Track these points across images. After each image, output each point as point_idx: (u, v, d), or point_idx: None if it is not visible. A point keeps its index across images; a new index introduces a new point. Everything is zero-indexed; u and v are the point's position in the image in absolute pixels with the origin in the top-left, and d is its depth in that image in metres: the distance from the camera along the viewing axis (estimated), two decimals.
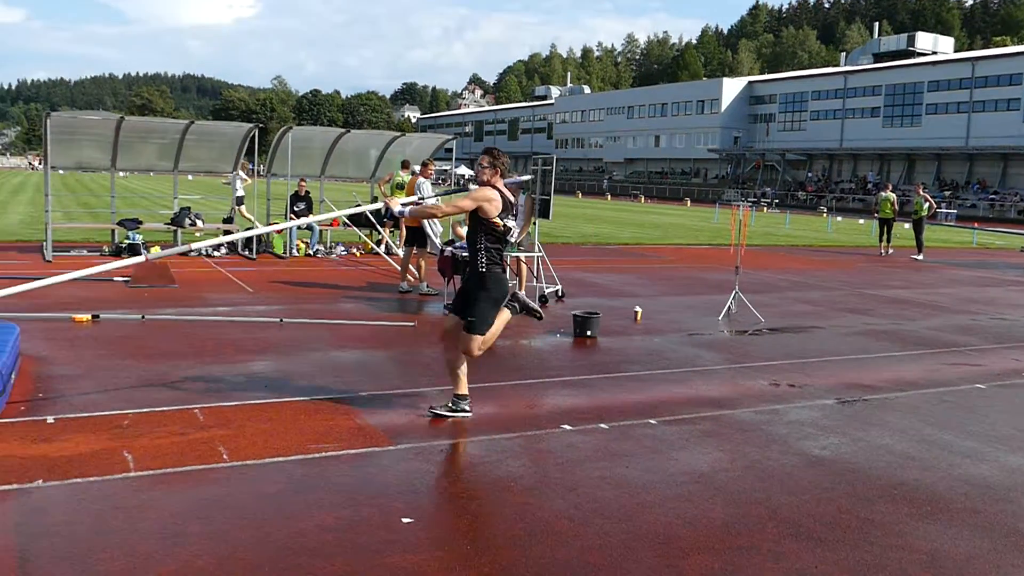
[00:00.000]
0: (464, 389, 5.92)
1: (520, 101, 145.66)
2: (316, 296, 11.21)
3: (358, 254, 16.48)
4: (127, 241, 14.89)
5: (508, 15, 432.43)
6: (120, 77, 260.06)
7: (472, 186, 6.10)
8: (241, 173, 17.92)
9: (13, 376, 6.04)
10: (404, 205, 6.14)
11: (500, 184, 5.90)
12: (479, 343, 5.82)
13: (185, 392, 6.24)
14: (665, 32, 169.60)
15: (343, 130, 17.19)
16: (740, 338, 9.63)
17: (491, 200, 5.76)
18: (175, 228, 15.60)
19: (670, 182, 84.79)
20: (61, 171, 14.74)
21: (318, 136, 17.89)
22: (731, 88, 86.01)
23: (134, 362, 7.11)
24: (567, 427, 5.80)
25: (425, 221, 11.71)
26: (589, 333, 8.99)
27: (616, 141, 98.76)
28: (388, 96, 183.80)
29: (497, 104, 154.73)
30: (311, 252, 16.02)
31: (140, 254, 14.45)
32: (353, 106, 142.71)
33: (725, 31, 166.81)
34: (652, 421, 6.03)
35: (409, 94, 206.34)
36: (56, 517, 4.02)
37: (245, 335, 8.42)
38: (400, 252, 14.32)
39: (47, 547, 3.70)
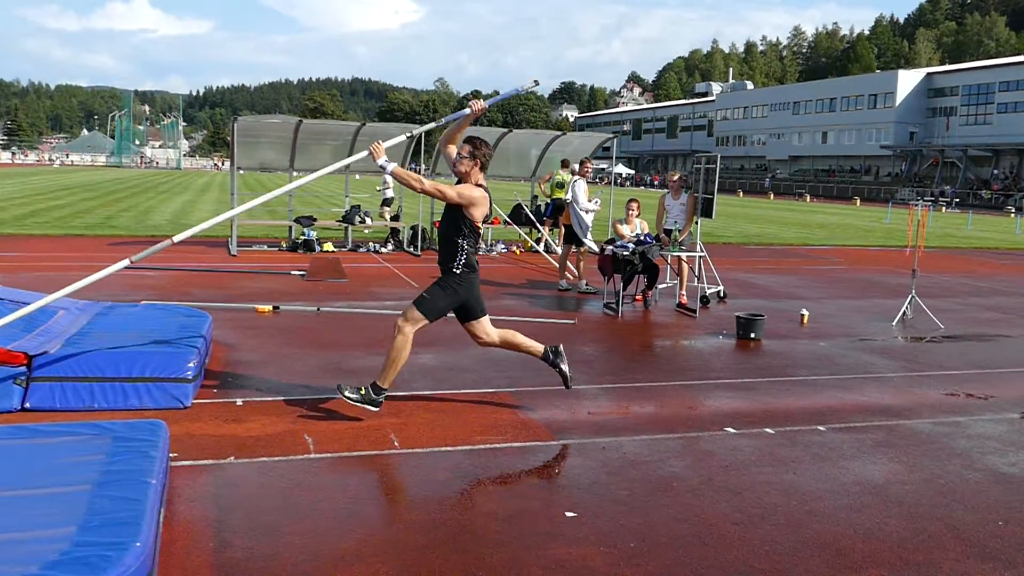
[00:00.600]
0: (386, 384, 5.58)
1: (679, 98, 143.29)
2: None
3: (518, 252, 16.74)
4: (303, 237, 15.77)
5: (668, 11, 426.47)
6: (295, 82, 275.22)
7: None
8: (389, 179, 18.74)
9: (206, 361, 6.55)
10: (389, 162, 5.69)
11: (482, 179, 5.71)
12: (417, 323, 5.53)
13: (358, 381, 6.54)
14: (835, 23, 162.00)
15: (505, 130, 17.51)
16: (916, 345, 9.12)
17: (478, 204, 5.55)
18: (346, 225, 16.39)
19: (838, 180, 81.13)
20: (242, 171, 15.77)
21: (481, 136, 18.27)
22: (907, 81, 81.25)
23: (311, 351, 7.54)
24: (731, 430, 5.70)
25: (574, 220, 11.78)
26: (753, 335, 8.77)
27: (780, 138, 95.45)
28: (546, 96, 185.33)
29: (656, 102, 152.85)
30: None
31: (315, 249, 15.28)
32: (512, 106, 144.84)
33: (901, 20, 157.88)
34: (821, 428, 5.83)
35: (567, 93, 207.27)
36: (246, 491, 4.34)
37: None
38: (559, 250, 14.46)
39: (239, 518, 4.00)
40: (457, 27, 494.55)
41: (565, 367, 6.00)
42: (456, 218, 5.62)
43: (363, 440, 5.18)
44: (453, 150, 5.90)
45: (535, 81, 6.94)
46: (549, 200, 16.45)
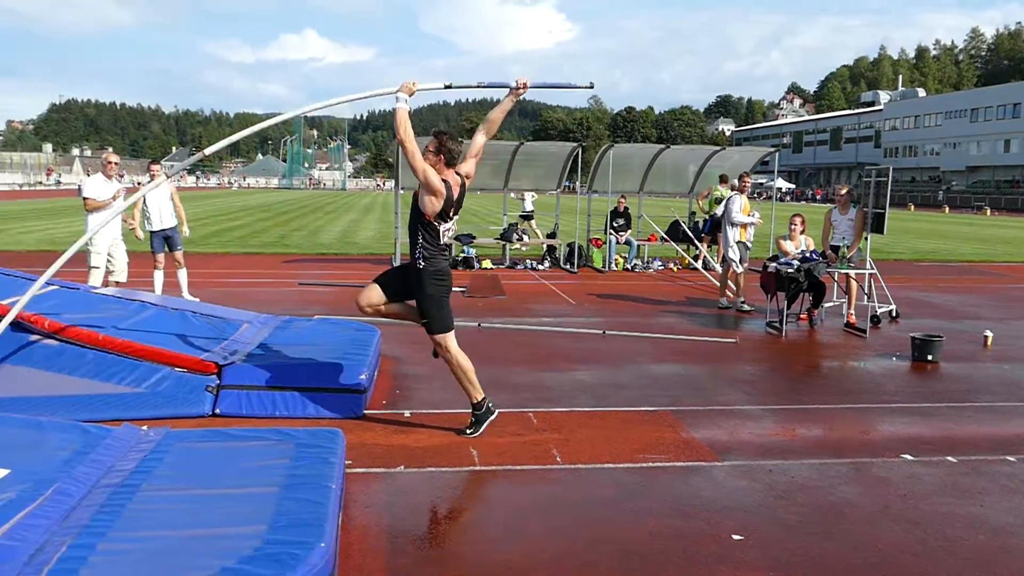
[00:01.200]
0: (478, 395, 5.65)
1: (843, 109, 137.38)
2: (635, 309, 11.43)
3: (675, 269, 16.54)
4: (462, 255, 16.20)
5: (829, 18, 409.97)
6: (452, 104, 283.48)
7: None
8: (527, 194, 19.11)
9: (376, 373, 6.85)
10: (405, 101, 5.35)
11: (448, 175, 5.37)
12: (446, 341, 5.60)
13: (519, 396, 6.68)
14: (1018, 23, 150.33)
15: (662, 146, 17.39)
16: None
17: (432, 192, 5.24)
18: (504, 243, 16.71)
19: (1022, 192, 75.33)
20: (402, 190, 16.39)
21: (637, 153, 18.25)
22: None
23: (474, 365, 7.71)
24: (908, 457, 5.41)
25: (723, 234, 11.56)
26: (930, 357, 8.29)
27: (956, 148, 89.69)
28: (702, 110, 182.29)
29: (817, 113, 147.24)
30: (629, 266, 16.35)
31: (474, 266, 15.65)
32: (666, 121, 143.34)
33: None
34: (1010, 458, 5.43)
35: (723, 107, 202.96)
36: (416, 499, 4.51)
37: (570, 345, 8.81)
38: (718, 267, 14.17)
39: (411, 525, 4.16)
40: (610, 44, 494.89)
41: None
42: (414, 212, 5.45)
43: (526, 454, 5.27)
44: (482, 139, 5.68)
45: (591, 84, 6.55)
46: (707, 216, 16.16)
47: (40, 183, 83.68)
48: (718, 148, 18.01)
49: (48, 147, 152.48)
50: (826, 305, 10.87)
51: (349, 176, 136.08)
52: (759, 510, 4.47)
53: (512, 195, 18.89)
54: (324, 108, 6.16)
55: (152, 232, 10.52)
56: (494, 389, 6.83)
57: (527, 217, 20.19)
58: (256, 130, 5.64)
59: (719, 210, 11.58)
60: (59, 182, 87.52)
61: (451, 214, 5.42)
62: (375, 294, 5.70)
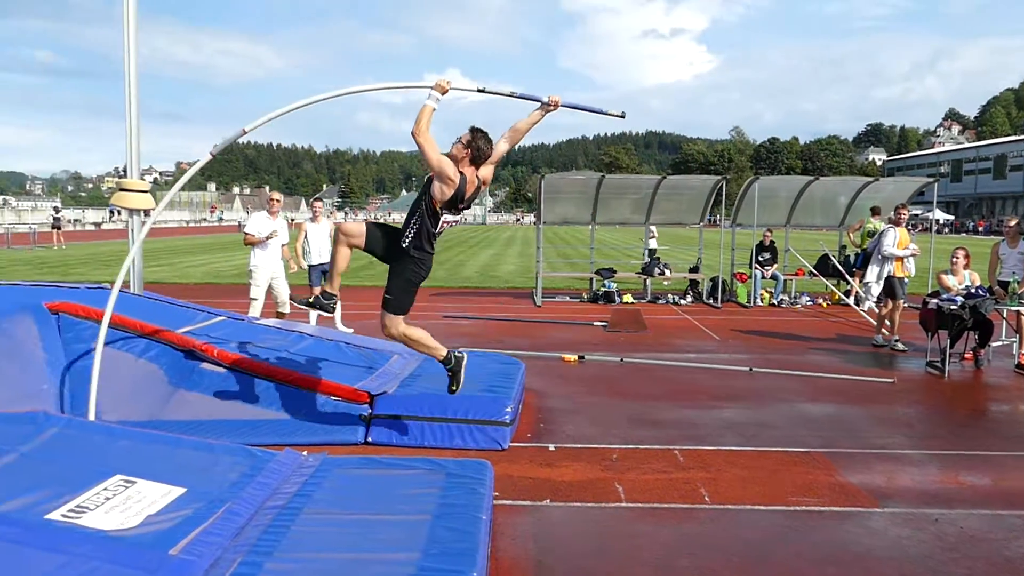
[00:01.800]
0: (441, 353, 5.65)
1: (1008, 134, 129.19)
2: (783, 346, 11.07)
3: (825, 304, 15.93)
4: (603, 289, 16.19)
5: (992, 40, 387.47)
6: (590, 138, 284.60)
7: None
8: (652, 228, 18.90)
9: (520, 406, 6.93)
10: (436, 100, 5.28)
11: (468, 170, 5.30)
12: (394, 322, 5.51)
13: (664, 432, 6.59)
14: None
15: (810, 178, 16.86)
16: None
17: (445, 180, 5.18)
18: (645, 277, 16.59)
19: None
20: (544, 224, 16.56)
21: (783, 185, 17.77)
22: None
23: (617, 400, 7.69)
24: None
25: (867, 269, 11.07)
26: None
27: None
28: (850, 139, 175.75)
29: (979, 140, 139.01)
30: (775, 302, 15.88)
31: (615, 301, 15.59)
32: (812, 152, 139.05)
33: None
34: None
35: (874, 135, 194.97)
36: (563, 534, 4.52)
37: (715, 381, 8.63)
38: (871, 303, 13.56)
39: (557, 559, 4.17)
40: (753, 74, 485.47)
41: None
42: (422, 193, 5.41)
43: (673, 492, 5.19)
44: (504, 147, 5.59)
45: (623, 113, 6.33)
46: (859, 250, 15.51)
47: (204, 219, 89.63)
48: (870, 179, 17.30)
49: (212, 186, 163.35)
50: (993, 344, 10.19)
51: (489, 210, 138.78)
52: (925, 561, 4.22)
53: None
54: (360, 93, 5.95)
55: (311, 266, 11.07)
56: (638, 425, 6.78)
57: (651, 253, 20.04)
58: (291, 110, 5.68)
59: (872, 244, 11.08)
60: (221, 219, 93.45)
61: (458, 206, 5.38)
62: (360, 232, 5.54)
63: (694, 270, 17.12)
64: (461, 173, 5.26)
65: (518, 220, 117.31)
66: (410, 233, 5.37)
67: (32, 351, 6.18)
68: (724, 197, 16.38)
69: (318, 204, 11.80)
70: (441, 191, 5.24)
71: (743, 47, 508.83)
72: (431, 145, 5.17)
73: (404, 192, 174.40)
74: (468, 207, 5.55)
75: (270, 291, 10.40)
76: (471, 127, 5.41)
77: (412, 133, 5.20)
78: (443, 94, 5.34)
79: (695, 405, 7.56)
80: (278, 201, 10.43)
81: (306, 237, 10.98)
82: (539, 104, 5.67)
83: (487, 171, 5.50)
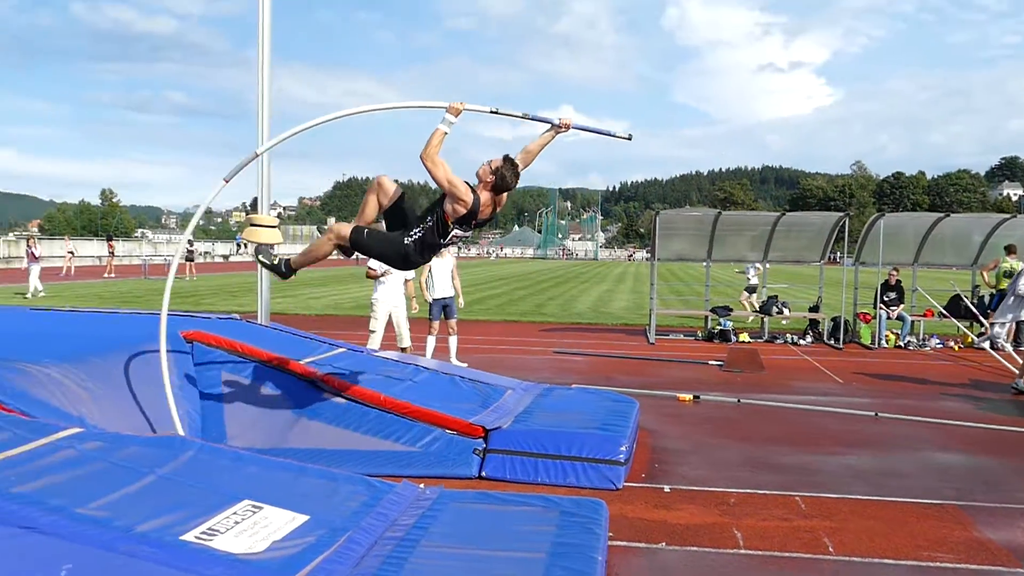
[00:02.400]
0: (298, 267, 5.89)
1: None
2: (910, 391, 10.56)
3: (957, 348, 15.14)
4: (719, 327, 15.87)
5: None
6: (704, 174, 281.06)
7: None
8: (755, 264, 18.36)
9: (634, 445, 6.84)
10: (450, 124, 5.31)
11: (485, 194, 5.30)
12: (339, 231, 5.53)
13: (784, 477, 6.37)
14: None
15: (940, 215, 16.14)
16: None
17: (459, 199, 5.19)
18: (763, 316, 16.17)
19: None
20: (658, 260, 16.41)
21: (911, 223, 17.08)
22: None
23: (734, 443, 7.49)
24: None
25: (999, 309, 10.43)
26: None
27: None
28: (982, 173, 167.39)
29: None
30: (902, 344, 15.20)
31: (731, 339, 15.28)
32: (941, 187, 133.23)
33: None
34: None
35: (1008, 169, 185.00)
36: None
37: (838, 426, 8.30)
38: (1008, 346, 12.83)
39: None
40: (875, 107, 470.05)
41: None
42: (437, 203, 5.38)
43: (794, 541, 5.00)
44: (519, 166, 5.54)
45: (629, 136, 6.12)
46: (994, 291, 14.72)
47: None
48: (1006, 216, 16.43)
49: (332, 220, 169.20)
50: None
51: (601, 246, 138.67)
52: None
53: (736, 270, 18.39)
54: (423, 107, 5.89)
55: (433, 300, 11.32)
56: (756, 468, 6.59)
57: (751, 290, 19.55)
58: (303, 129, 5.92)
59: (1011, 286, 10.49)
60: None
61: (471, 223, 5.40)
62: (344, 235, 5.54)
63: (814, 309, 16.58)
64: (475, 194, 5.28)
65: (630, 256, 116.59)
66: (415, 235, 5.41)
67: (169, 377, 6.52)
68: (847, 234, 15.84)
69: None
70: (454, 209, 5.28)
71: (865, 79, 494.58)
72: (440, 167, 5.20)
73: (516, 227, 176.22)
74: (481, 227, 5.67)
75: (390, 324, 10.66)
76: (505, 155, 5.42)
77: (420, 156, 5.23)
78: (456, 116, 5.37)
79: (817, 450, 7.28)
80: None
81: (430, 271, 11.25)
82: (550, 125, 5.71)
83: (503, 197, 5.54)
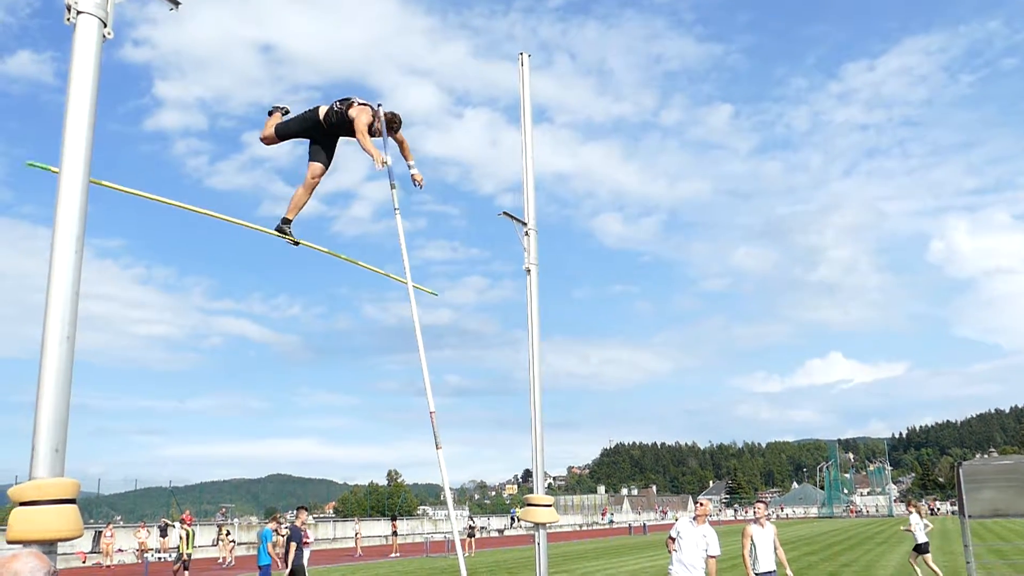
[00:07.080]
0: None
1: None
2: None
3: None
4: None
5: None
6: (1007, 411, 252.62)
7: None
8: (917, 517, 16.06)
9: None
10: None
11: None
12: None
13: None
14: None
15: None
16: None
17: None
18: None
19: None
20: (969, 517, 14.50)
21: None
22: None
23: None
24: None
25: None
26: None
27: None
28: None
29: None
30: None
31: None
32: None
33: None
34: None
35: None
36: None
37: None
38: None
39: None
40: None
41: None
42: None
43: None
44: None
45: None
46: None
47: (595, 523, 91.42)
48: None
49: (601, 488, 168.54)
50: None
51: (894, 500, 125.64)
52: None
53: (901, 527, 15.84)
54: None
55: (757, 574, 10.64)
56: None
57: (920, 550, 17.07)
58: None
59: None
60: (612, 521, 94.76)
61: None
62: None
63: None
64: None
65: (932, 512, 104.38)
66: None
67: None
68: None
69: (702, 506, 11.49)
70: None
71: None
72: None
73: (795, 484, 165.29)
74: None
75: None
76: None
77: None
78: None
79: None
80: (702, 505, 10.33)
81: (752, 541, 10.70)
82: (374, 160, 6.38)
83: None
